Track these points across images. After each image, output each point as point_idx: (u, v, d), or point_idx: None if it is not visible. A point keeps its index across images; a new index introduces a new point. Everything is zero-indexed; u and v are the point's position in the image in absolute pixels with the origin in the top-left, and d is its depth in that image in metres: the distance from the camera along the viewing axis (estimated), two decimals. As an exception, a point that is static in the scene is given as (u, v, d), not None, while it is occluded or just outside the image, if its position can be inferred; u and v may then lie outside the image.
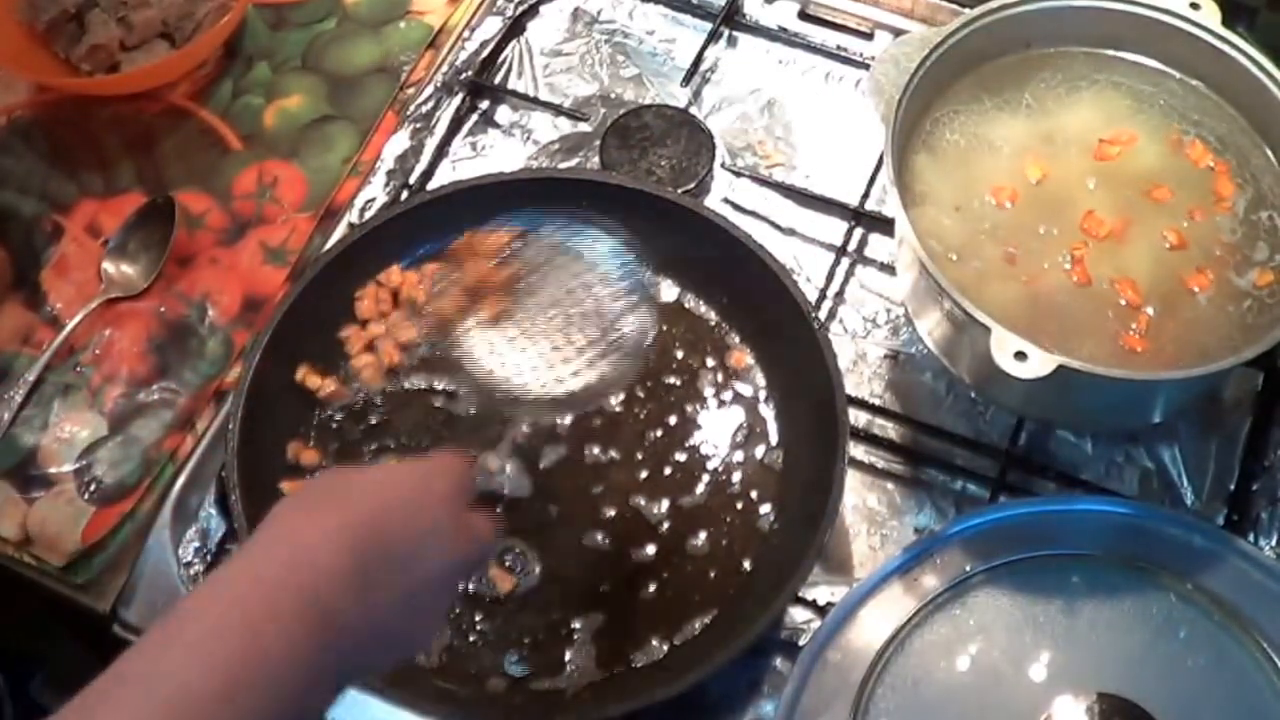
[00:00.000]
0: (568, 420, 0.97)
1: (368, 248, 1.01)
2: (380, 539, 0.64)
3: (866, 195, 1.08)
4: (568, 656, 0.89)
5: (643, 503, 0.94)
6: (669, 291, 1.02)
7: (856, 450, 0.98)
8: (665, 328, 1.01)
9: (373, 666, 0.67)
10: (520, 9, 1.20)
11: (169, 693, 0.57)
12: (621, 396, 0.98)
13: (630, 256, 0.85)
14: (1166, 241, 0.91)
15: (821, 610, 0.91)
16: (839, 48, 1.17)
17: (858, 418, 0.99)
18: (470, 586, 0.91)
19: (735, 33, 1.19)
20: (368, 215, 1.08)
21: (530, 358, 0.84)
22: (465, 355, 0.84)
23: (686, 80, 1.15)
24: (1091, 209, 0.92)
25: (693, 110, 1.13)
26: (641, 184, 1.04)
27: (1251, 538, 0.93)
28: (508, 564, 0.92)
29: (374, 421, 0.98)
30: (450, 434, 0.97)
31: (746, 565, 0.92)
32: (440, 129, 1.14)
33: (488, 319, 0.85)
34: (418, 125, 1.14)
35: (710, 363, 0.99)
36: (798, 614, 0.91)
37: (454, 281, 0.86)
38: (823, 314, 1.02)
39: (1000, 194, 0.93)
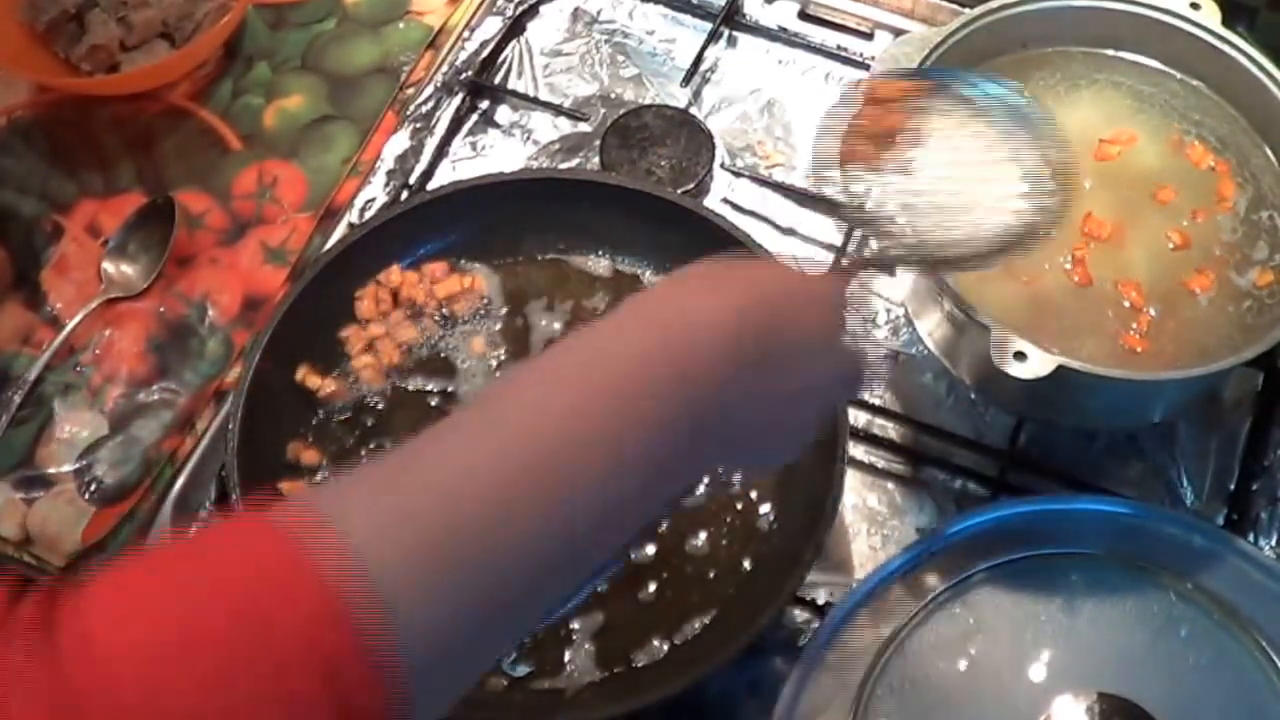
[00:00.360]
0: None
1: (368, 248, 1.01)
2: (773, 329, 0.61)
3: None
4: (568, 656, 0.89)
5: (642, 503, 0.94)
6: (669, 291, 1.02)
7: (856, 450, 0.98)
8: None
9: (736, 462, 0.65)
10: (520, 9, 1.20)
11: (526, 411, 0.56)
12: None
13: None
14: (1167, 242, 0.91)
15: (821, 610, 0.91)
16: (839, 48, 1.17)
17: (858, 418, 0.99)
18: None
19: (735, 33, 1.19)
20: (368, 215, 1.08)
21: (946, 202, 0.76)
22: (877, 208, 0.76)
23: (686, 80, 1.15)
24: (1091, 209, 0.92)
25: (693, 110, 1.13)
26: (641, 184, 1.04)
27: (1251, 537, 0.93)
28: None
29: (372, 423, 0.98)
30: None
31: (746, 565, 0.92)
32: (440, 129, 1.14)
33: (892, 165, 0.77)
34: (418, 125, 1.14)
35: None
36: (797, 614, 0.91)
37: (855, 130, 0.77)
38: (823, 314, 1.02)
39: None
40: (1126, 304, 0.89)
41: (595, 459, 0.56)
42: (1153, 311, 0.88)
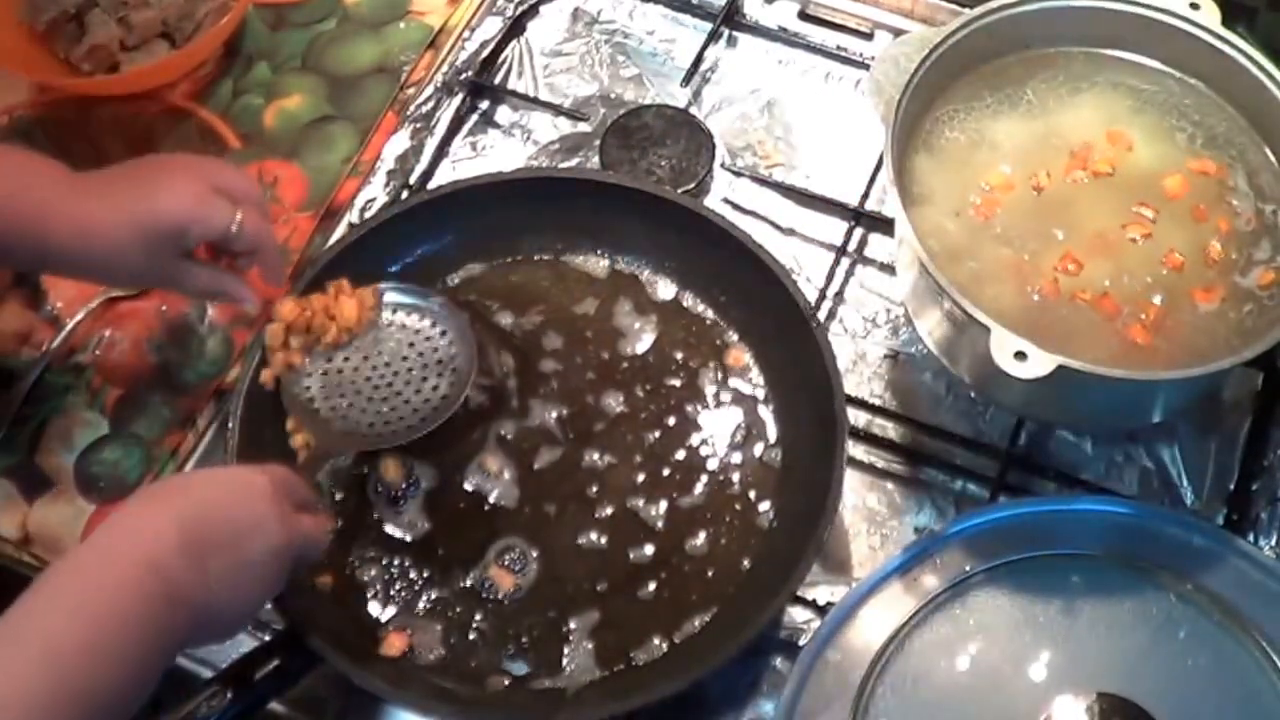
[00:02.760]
0: (564, 421, 0.97)
1: (368, 248, 1.01)
2: (206, 521, 0.76)
3: (866, 195, 1.08)
4: (567, 655, 0.89)
5: (641, 503, 0.94)
6: (666, 290, 1.02)
7: (856, 450, 0.98)
8: (663, 327, 1.01)
9: (211, 632, 0.78)
10: (520, 9, 1.21)
11: (41, 647, 0.68)
12: (621, 397, 0.98)
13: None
14: (1167, 241, 0.91)
15: (821, 610, 0.91)
16: (839, 48, 1.17)
17: (857, 418, 0.99)
18: (470, 584, 0.91)
19: (735, 33, 1.19)
20: (368, 215, 1.08)
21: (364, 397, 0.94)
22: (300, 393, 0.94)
23: (686, 80, 1.15)
24: (1091, 208, 0.92)
25: (693, 110, 1.13)
26: (641, 184, 1.04)
27: (1251, 537, 0.93)
28: (508, 564, 0.92)
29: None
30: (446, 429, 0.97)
31: (746, 564, 0.92)
32: (440, 129, 1.14)
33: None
34: (418, 125, 1.14)
35: (708, 362, 0.99)
36: (797, 614, 0.91)
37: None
38: (823, 314, 1.02)
39: (1000, 194, 0.93)
40: (1124, 302, 0.89)
41: (103, 659, 0.69)
42: (1153, 308, 0.88)
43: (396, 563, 0.92)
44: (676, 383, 0.99)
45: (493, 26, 1.20)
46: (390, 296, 0.96)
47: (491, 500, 0.94)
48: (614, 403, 0.98)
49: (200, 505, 0.77)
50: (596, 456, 0.96)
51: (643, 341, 1.00)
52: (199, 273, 0.93)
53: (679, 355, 1.00)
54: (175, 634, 0.73)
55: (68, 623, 0.69)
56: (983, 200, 0.93)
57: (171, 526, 0.74)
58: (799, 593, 0.90)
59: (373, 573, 0.92)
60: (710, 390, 0.99)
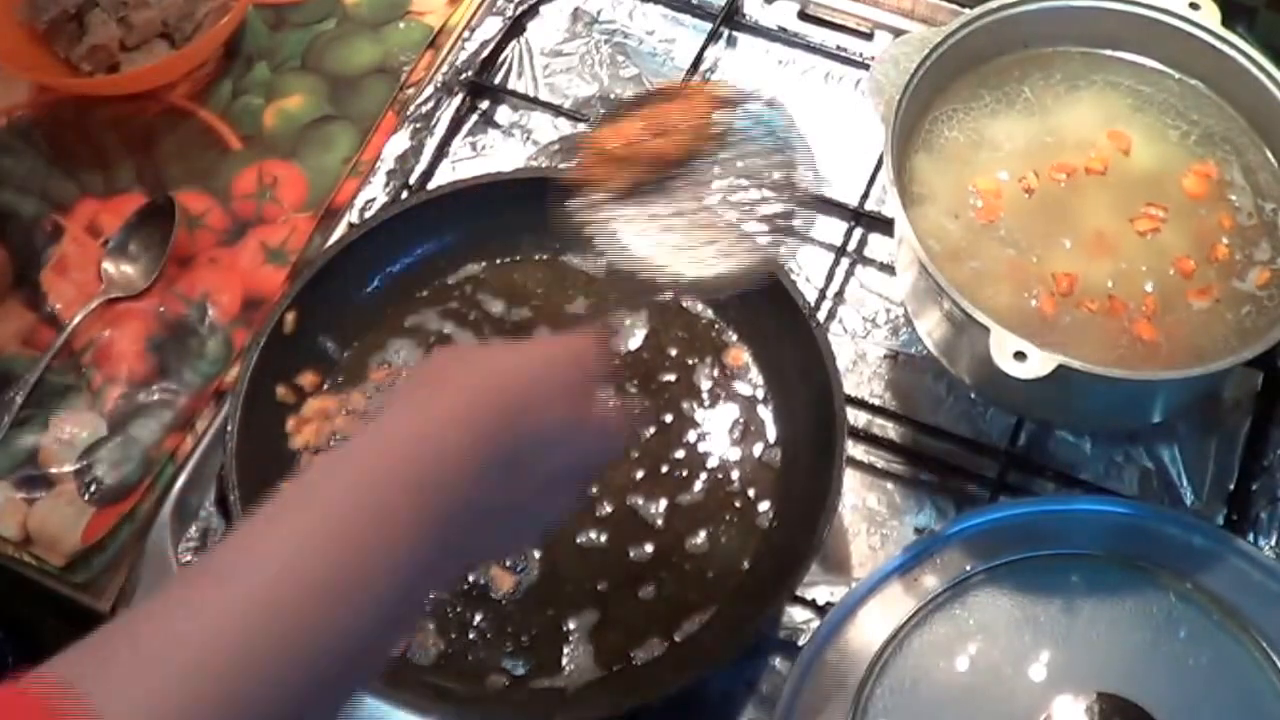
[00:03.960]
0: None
1: (368, 248, 1.01)
2: (511, 427, 0.61)
3: (866, 195, 1.08)
4: (567, 654, 0.89)
5: (640, 501, 0.94)
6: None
7: (856, 450, 0.98)
8: (661, 326, 1.01)
9: (488, 553, 0.66)
10: (520, 9, 1.20)
11: (281, 567, 0.55)
12: (615, 393, 0.98)
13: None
14: (1166, 241, 0.91)
15: (821, 610, 0.91)
16: (839, 48, 1.17)
17: (857, 418, 0.99)
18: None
19: (735, 33, 1.19)
20: (368, 215, 1.08)
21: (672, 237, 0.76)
22: (600, 228, 0.77)
23: (686, 80, 1.15)
24: (1091, 208, 0.92)
25: (693, 110, 1.13)
26: (641, 184, 1.03)
27: (1251, 537, 0.93)
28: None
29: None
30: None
31: (745, 564, 0.92)
32: (440, 129, 1.14)
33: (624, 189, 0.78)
34: (418, 125, 1.14)
35: (707, 361, 0.99)
36: (797, 614, 0.91)
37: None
38: (822, 314, 1.02)
39: (1000, 194, 0.93)
40: (1124, 301, 0.89)
41: (345, 603, 0.56)
42: (1152, 307, 0.88)
43: (396, 563, 0.92)
44: (674, 381, 0.99)
45: (493, 26, 1.20)
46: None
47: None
48: (606, 399, 0.98)
49: (502, 402, 0.62)
50: (595, 454, 0.96)
51: (635, 338, 1.00)
52: None
53: (675, 354, 1.00)
54: (449, 556, 0.60)
55: (327, 535, 0.56)
56: (982, 200, 0.93)
57: (466, 431, 0.60)
58: (798, 593, 0.90)
59: (372, 573, 0.92)
60: (709, 389, 0.99)
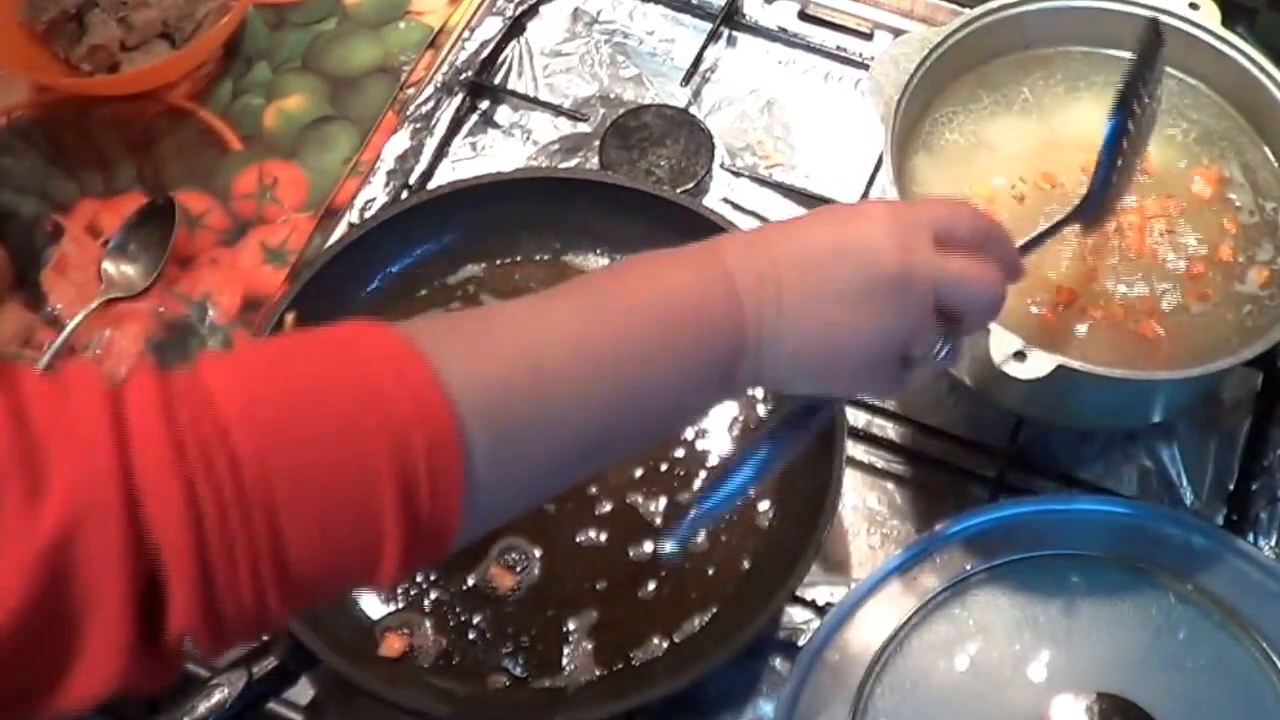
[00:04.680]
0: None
1: (367, 248, 1.01)
2: (785, 233, 0.68)
3: (866, 195, 1.08)
4: (567, 654, 0.89)
5: (640, 499, 0.94)
6: (667, 290, 1.02)
7: (856, 450, 0.98)
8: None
9: (774, 366, 0.66)
10: (520, 9, 1.20)
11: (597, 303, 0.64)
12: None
13: None
14: (1166, 241, 0.91)
15: (821, 610, 0.91)
16: (839, 48, 1.17)
17: (857, 417, 0.99)
18: (470, 584, 0.91)
19: (735, 33, 1.19)
20: (368, 215, 1.08)
21: None
22: None
23: (686, 80, 1.15)
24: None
25: (692, 110, 1.13)
26: (641, 184, 1.04)
27: (1251, 538, 0.93)
28: (508, 563, 0.92)
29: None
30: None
31: (745, 564, 0.92)
32: (440, 129, 1.14)
33: None
34: (418, 125, 1.14)
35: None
36: (797, 614, 0.91)
37: None
38: (822, 314, 1.02)
39: (1000, 194, 0.93)
40: (1125, 301, 0.89)
41: (671, 356, 0.64)
42: (1157, 299, 0.88)
43: (396, 563, 0.92)
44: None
45: (493, 26, 1.19)
46: None
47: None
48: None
49: (794, 226, 0.68)
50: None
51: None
52: None
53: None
54: (732, 351, 0.65)
55: (633, 292, 0.64)
56: (982, 200, 0.93)
57: (752, 243, 0.66)
58: (798, 593, 0.90)
59: (372, 573, 0.92)
60: (710, 390, 0.98)
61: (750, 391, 0.98)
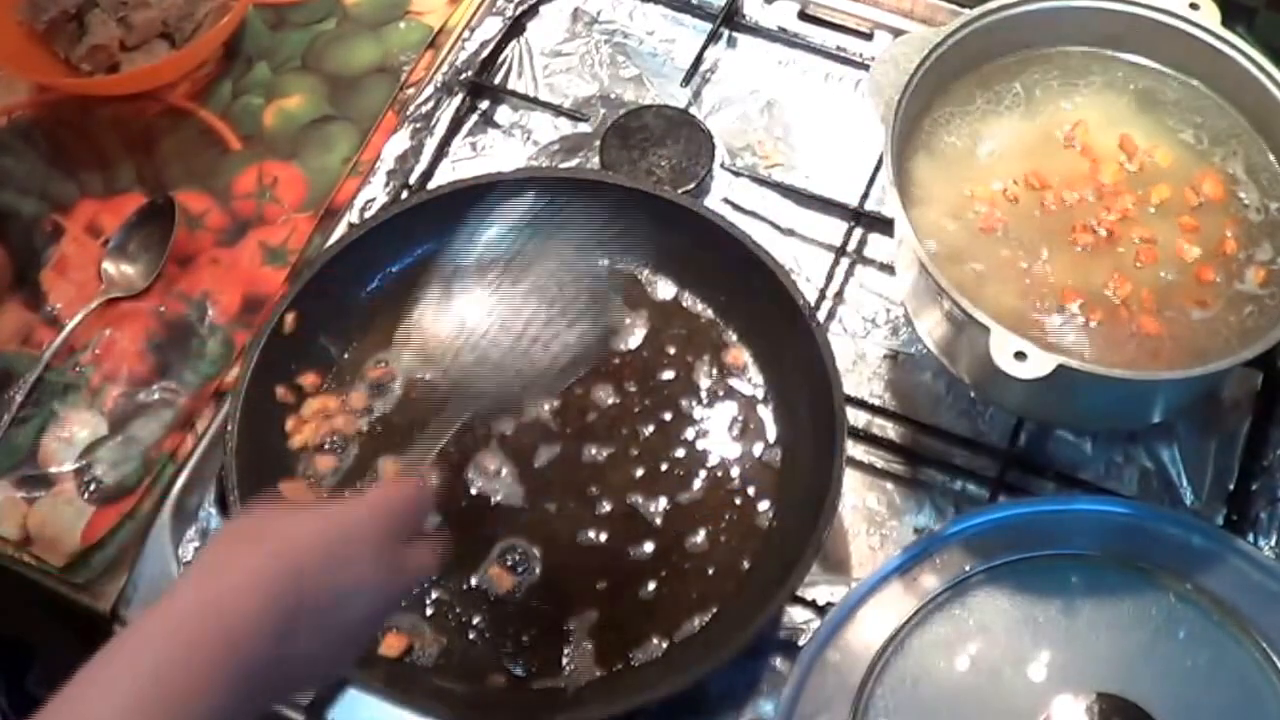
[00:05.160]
0: (561, 417, 0.97)
1: (367, 248, 1.01)
2: (300, 593, 0.66)
3: (866, 195, 1.08)
4: (567, 655, 0.89)
5: (640, 499, 0.94)
6: (666, 289, 1.02)
7: (856, 450, 0.98)
8: (661, 325, 1.01)
9: (289, 695, 0.71)
10: (520, 9, 1.21)
11: None
12: (613, 391, 0.98)
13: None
14: (1166, 241, 0.91)
15: (821, 610, 0.91)
16: (839, 48, 1.17)
17: (857, 418, 0.99)
18: (471, 585, 0.91)
19: (735, 33, 1.19)
20: (368, 215, 1.08)
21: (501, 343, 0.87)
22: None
23: (686, 80, 1.15)
24: (1091, 209, 0.92)
25: (693, 110, 1.13)
26: (641, 184, 1.04)
27: (1251, 538, 0.93)
28: (509, 563, 0.92)
29: (375, 419, 0.98)
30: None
31: (745, 564, 0.92)
32: (440, 129, 1.14)
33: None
34: (418, 125, 1.14)
35: (706, 360, 1.00)
36: (797, 614, 0.91)
37: None
38: (822, 314, 1.02)
39: (999, 195, 0.93)
40: (1124, 301, 0.89)
41: None
42: (1154, 307, 0.88)
43: (396, 563, 0.92)
44: (673, 381, 0.99)
45: (493, 26, 1.20)
46: None
47: (494, 499, 0.94)
48: (606, 396, 0.98)
49: (293, 569, 0.67)
50: (595, 451, 0.96)
51: (635, 337, 1.00)
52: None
53: (675, 352, 1.00)
54: (245, 706, 0.65)
55: (120, 707, 0.61)
56: (982, 200, 0.93)
57: (256, 598, 0.65)
58: (798, 593, 0.90)
59: (372, 573, 0.92)
60: (708, 389, 0.99)
61: (751, 393, 0.98)
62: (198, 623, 0.64)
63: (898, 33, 1.15)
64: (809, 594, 0.91)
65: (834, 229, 1.07)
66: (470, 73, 1.17)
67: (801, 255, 1.07)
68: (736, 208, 1.09)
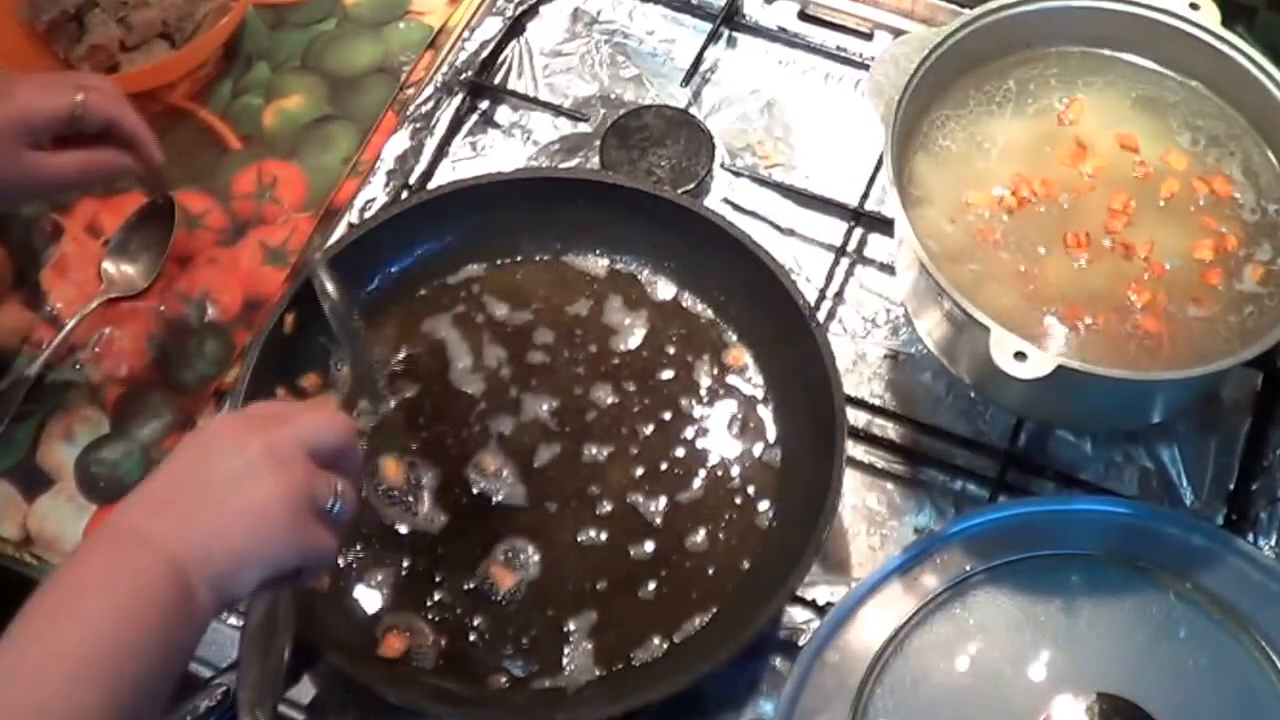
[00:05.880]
0: (561, 417, 0.97)
1: (368, 248, 1.01)
2: (172, 477, 0.73)
3: (866, 195, 1.08)
4: (567, 655, 0.89)
5: (640, 498, 0.94)
6: (666, 290, 1.02)
7: (856, 450, 0.98)
8: (661, 326, 1.01)
9: (230, 581, 0.71)
10: (520, 9, 1.21)
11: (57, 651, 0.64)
12: (612, 390, 0.98)
13: None
14: (1166, 242, 0.91)
15: (821, 610, 0.91)
16: (839, 48, 1.17)
17: (857, 418, 0.99)
18: (471, 585, 0.91)
19: (735, 33, 1.19)
20: (367, 215, 1.08)
21: None
22: None
23: (686, 80, 1.15)
24: (1091, 209, 0.92)
25: (692, 110, 1.13)
26: (641, 184, 1.04)
27: (1250, 537, 0.93)
28: (508, 562, 0.92)
29: (366, 425, 0.98)
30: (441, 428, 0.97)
31: (745, 564, 0.92)
32: (440, 129, 1.14)
33: None
34: (418, 125, 1.14)
35: (706, 360, 1.00)
36: (797, 614, 0.91)
37: None
38: (822, 314, 1.02)
39: (999, 196, 0.93)
40: (1127, 299, 0.89)
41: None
42: (1154, 307, 0.88)
43: (397, 563, 0.92)
44: (673, 380, 0.99)
45: (493, 26, 1.20)
46: None
47: (494, 499, 0.94)
48: (605, 396, 0.98)
49: (168, 469, 0.74)
50: (595, 451, 0.96)
51: (634, 337, 1.00)
52: (63, 160, 0.92)
53: (675, 352, 1.00)
54: (184, 590, 0.69)
55: (73, 622, 0.66)
56: (982, 201, 0.93)
57: (137, 496, 0.72)
58: (798, 593, 0.90)
59: (373, 573, 0.92)
60: (708, 388, 0.99)
61: (751, 393, 0.98)
62: (102, 534, 0.71)
63: (898, 33, 1.15)
64: (809, 594, 0.91)
65: (834, 229, 1.08)
66: (470, 73, 1.17)
67: (801, 255, 1.07)
68: (736, 208, 1.09)
